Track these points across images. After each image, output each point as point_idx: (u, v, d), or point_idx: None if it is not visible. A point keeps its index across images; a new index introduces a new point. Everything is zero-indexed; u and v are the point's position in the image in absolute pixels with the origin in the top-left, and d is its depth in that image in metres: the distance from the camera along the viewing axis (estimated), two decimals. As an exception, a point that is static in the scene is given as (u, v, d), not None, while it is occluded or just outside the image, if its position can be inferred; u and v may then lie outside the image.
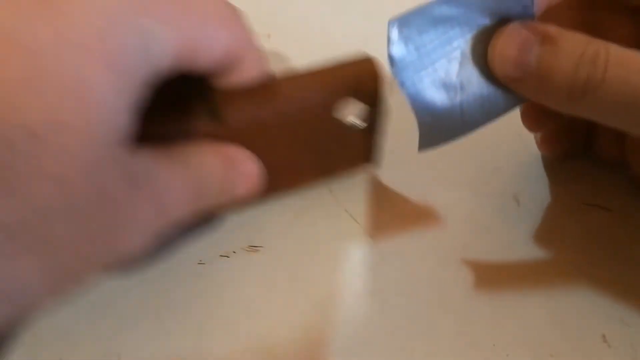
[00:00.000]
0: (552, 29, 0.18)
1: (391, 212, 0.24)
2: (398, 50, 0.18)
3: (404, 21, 0.17)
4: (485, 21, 0.18)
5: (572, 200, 0.25)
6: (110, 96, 0.14)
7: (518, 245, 0.24)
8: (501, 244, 0.24)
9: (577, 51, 0.17)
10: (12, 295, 0.13)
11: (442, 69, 0.19)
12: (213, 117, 0.19)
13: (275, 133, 0.20)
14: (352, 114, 0.21)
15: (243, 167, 0.20)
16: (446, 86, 0.19)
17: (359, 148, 0.23)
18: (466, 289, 0.22)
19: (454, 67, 0.19)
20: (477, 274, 0.23)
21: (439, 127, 0.19)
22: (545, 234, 0.24)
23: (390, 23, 0.17)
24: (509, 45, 0.18)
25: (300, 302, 0.22)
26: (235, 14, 0.18)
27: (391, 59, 0.17)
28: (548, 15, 0.20)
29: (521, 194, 0.25)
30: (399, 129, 0.24)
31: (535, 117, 0.25)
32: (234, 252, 0.23)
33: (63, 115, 0.13)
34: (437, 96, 0.19)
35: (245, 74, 0.19)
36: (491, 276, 0.23)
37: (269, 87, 0.20)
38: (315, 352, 0.20)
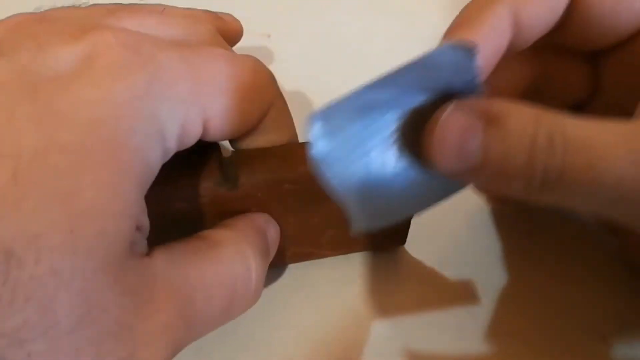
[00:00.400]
0: (495, 106, 0.15)
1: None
2: (322, 146, 0.15)
3: (328, 114, 0.15)
4: (420, 99, 0.16)
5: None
6: (103, 201, 0.13)
7: (518, 245, 0.24)
8: (501, 243, 0.24)
9: (527, 135, 0.15)
10: None
11: (377, 160, 0.16)
12: (230, 185, 0.18)
13: (292, 201, 0.19)
14: None
15: (270, 234, 0.19)
16: (384, 178, 0.16)
17: (389, 229, 0.20)
18: (466, 289, 0.22)
19: (392, 156, 0.16)
20: (477, 273, 0.23)
21: (375, 214, 0.17)
22: (545, 233, 0.24)
23: (312, 117, 0.15)
24: (447, 135, 0.15)
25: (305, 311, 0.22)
26: (253, 74, 0.17)
27: (314, 157, 0.15)
28: (497, 75, 0.18)
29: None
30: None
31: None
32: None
33: (41, 228, 0.12)
34: (372, 191, 0.16)
35: (266, 135, 0.18)
36: (491, 276, 0.23)
37: (288, 149, 0.19)
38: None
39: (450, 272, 0.23)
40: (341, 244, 0.22)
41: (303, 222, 0.20)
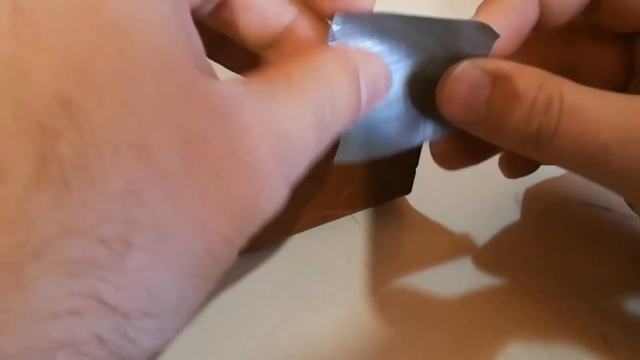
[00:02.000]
0: (505, 66, 0.16)
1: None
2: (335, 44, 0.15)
3: (350, 18, 0.15)
4: (434, 53, 0.17)
5: (572, 200, 0.25)
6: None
7: (517, 244, 0.24)
8: (500, 243, 0.24)
9: (529, 96, 0.16)
10: (159, 310, 0.10)
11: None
12: None
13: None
14: None
15: (367, 72, 0.15)
16: (379, 115, 0.17)
17: (397, 178, 0.23)
18: (466, 289, 0.22)
19: (392, 95, 0.17)
20: (477, 273, 0.23)
21: (362, 140, 0.17)
22: (545, 233, 0.24)
23: (336, 14, 0.15)
24: (458, 87, 0.17)
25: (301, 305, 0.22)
26: None
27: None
28: (529, 56, 0.19)
29: (521, 194, 0.25)
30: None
31: (515, 168, 0.23)
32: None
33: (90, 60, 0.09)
34: (366, 124, 0.17)
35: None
36: (491, 276, 0.23)
37: None
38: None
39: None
40: (356, 202, 0.23)
41: (321, 184, 0.21)
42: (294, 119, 0.13)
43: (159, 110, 0.10)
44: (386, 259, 0.23)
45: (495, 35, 0.16)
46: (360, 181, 0.21)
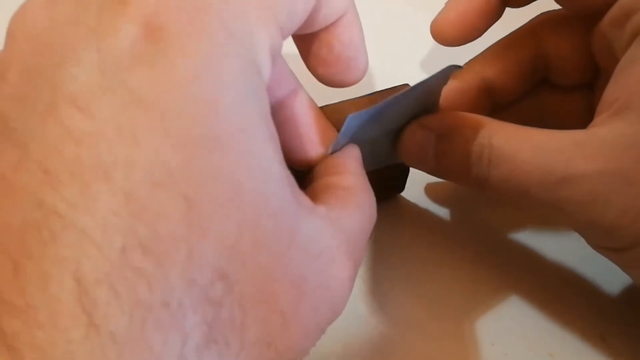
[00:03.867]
0: (448, 120, 0.19)
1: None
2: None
3: (356, 117, 0.18)
4: (409, 109, 0.20)
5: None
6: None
7: (517, 244, 0.24)
8: (500, 242, 0.24)
9: (465, 149, 0.18)
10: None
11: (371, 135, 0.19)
12: None
13: None
14: None
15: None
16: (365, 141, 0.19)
17: (390, 179, 0.23)
18: (465, 289, 0.22)
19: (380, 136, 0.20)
20: (477, 273, 0.23)
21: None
22: (543, 232, 0.24)
23: (348, 117, 0.17)
24: (409, 147, 0.20)
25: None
26: None
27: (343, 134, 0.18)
28: (499, 59, 0.22)
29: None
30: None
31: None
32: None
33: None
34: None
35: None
36: (490, 276, 0.23)
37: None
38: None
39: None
40: None
41: None
42: (359, 231, 0.15)
43: (280, 267, 0.12)
44: (386, 258, 0.23)
45: (452, 69, 0.18)
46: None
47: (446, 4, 0.22)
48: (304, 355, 0.13)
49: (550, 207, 0.17)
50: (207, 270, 0.10)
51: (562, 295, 0.22)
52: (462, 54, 0.23)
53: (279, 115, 0.17)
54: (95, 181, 0.10)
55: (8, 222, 0.10)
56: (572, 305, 0.22)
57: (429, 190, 0.25)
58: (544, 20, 0.22)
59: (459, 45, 0.22)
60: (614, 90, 0.18)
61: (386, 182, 0.23)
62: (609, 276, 0.23)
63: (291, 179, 0.13)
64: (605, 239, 0.17)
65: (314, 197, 0.15)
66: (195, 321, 0.10)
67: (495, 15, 0.22)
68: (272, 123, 0.13)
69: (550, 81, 0.23)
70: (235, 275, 0.11)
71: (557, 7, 0.22)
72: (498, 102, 0.23)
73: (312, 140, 0.18)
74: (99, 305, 0.09)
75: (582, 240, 0.19)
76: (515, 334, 0.21)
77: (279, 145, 0.13)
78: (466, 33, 0.22)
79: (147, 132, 0.10)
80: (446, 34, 0.22)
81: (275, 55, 0.13)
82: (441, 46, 0.22)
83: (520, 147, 0.17)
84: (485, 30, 0.22)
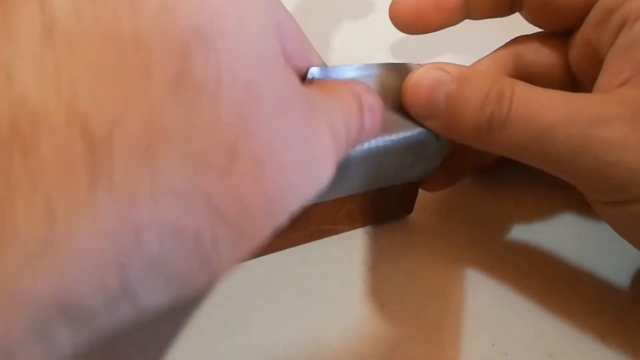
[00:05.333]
0: (464, 69, 0.19)
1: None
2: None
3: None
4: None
5: (571, 199, 0.25)
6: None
7: (517, 244, 0.24)
8: (500, 243, 0.24)
9: (484, 89, 0.18)
10: (233, 228, 0.11)
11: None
12: None
13: None
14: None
15: (367, 99, 0.18)
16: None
17: (398, 199, 0.23)
18: (465, 289, 0.22)
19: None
20: (477, 273, 0.23)
21: (362, 174, 0.20)
22: (543, 232, 0.24)
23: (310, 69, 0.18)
24: (422, 84, 0.19)
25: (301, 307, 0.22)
26: None
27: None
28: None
29: (521, 194, 0.25)
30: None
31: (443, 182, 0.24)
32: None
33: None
34: None
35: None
36: (490, 276, 0.23)
37: None
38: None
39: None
40: (357, 218, 0.23)
41: (321, 198, 0.21)
42: (336, 115, 0.15)
43: (265, 69, 0.12)
44: (386, 259, 0.23)
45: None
46: (362, 198, 0.21)
47: None
48: (277, 214, 0.12)
49: (573, 148, 0.17)
50: (181, 20, 0.10)
51: (562, 295, 0.22)
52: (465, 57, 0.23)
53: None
54: None
55: None
56: (572, 305, 0.22)
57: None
58: (522, 42, 0.23)
59: (412, 33, 0.23)
60: (617, 67, 0.19)
61: (393, 201, 0.23)
62: (609, 276, 0.23)
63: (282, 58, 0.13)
64: (619, 189, 0.17)
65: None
66: (162, 62, 0.10)
67: (451, 17, 0.22)
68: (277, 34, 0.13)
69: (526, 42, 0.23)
70: (213, 40, 0.11)
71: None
72: None
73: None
74: (57, 20, 0.09)
75: (583, 240, 0.19)
76: (515, 334, 0.21)
77: (279, 45, 0.13)
78: (418, 22, 0.22)
79: None
80: (400, 17, 0.22)
81: None
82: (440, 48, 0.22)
83: (544, 95, 0.18)
84: (439, 27, 0.23)
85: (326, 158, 0.14)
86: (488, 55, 0.23)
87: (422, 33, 0.23)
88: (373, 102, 0.18)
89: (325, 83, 0.18)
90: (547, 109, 0.17)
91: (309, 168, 0.13)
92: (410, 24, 0.22)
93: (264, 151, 0.11)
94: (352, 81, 0.18)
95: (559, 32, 0.22)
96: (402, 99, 0.20)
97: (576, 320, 0.21)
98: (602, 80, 0.19)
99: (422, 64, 0.22)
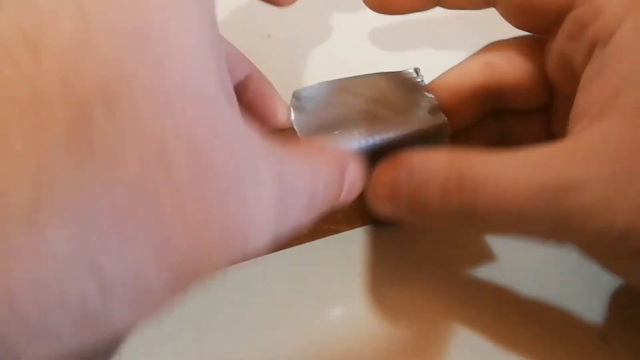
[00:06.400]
0: (416, 158, 0.18)
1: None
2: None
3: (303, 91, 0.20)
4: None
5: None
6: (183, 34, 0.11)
7: (517, 244, 0.24)
8: (501, 243, 0.24)
9: (441, 182, 0.17)
10: (128, 291, 0.11)
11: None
12: None
13: None
14: None
15: (351, 171, 0.18)
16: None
17: None
18: (466, 288, 0.22)
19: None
20: (477, 273, 0.23)
21: None
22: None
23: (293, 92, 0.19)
24: (381, 183, 0.18)
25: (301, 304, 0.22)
26: None
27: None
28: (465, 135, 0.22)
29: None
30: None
31: None
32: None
33: (129, 69, 0.10)
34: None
35: None
36: (491, 276, 0.23)
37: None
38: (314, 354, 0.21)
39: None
40: (355, 218, 0.23)
41: None
42: (295, 178, 0.14)
43: (182, 127, 0.11)
44: (386, 259, 0.23)
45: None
46: (361, 197, 0.21)
47: None
48: (197, 265, 0.11)
49: (551, 223, 0.16)
50: (87, 80, 0.10)
51: (562, 295, 0.22)
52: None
53: (244, 96, 0.19)
54: None
55: None
56: (572, 305, 0.22)
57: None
58: (495, 49, 0.22)
59: (382, 13, 0.22)
60: (587, 99, 0.18)
61: None
62: (609, 276, 0.23)
63: (227, 83, 0.13)
64: (617, 247, 0.16)
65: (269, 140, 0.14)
66: (62, 119, 0.10)
67: (421, 2, 0.22)
68: (215, 22, 0.13)
69: (505, 107, 0.23)
70: (120, 102, 0.10)
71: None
72: (451, 130, 0.22)
73: (276, 106, 0.19)
74: None
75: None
76: (516, 334, 0.21)
77: (226, 72, 0.13)
78: (387, 3, 0.22)
79: None
80: None
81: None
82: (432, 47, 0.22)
83: (504, 166, 0.16)
84: (409, 10, 0.22)
85: (259, 221, 0.13)
86: (458, 65, 0.22)
87: (393, 14, 0.22)
88: (356, 179, 0.18)
89: (313, 146, 0.17)
90: (512, 186, 0.16)
91: (227, 231, 0.12)
92: (379, 4, 0.22)
93: (166, 214, 0.11)
94: (342, 151, 0.18)
95: (536, 33, 0.21)
96: (368, 200, 0.19)
97: (577, 320, 0.21)
98: (577, 108, 0.18)
99: (413, 69, 0.22)
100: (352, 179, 0.17)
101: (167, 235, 0.11)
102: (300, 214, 0.15)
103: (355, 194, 0.18)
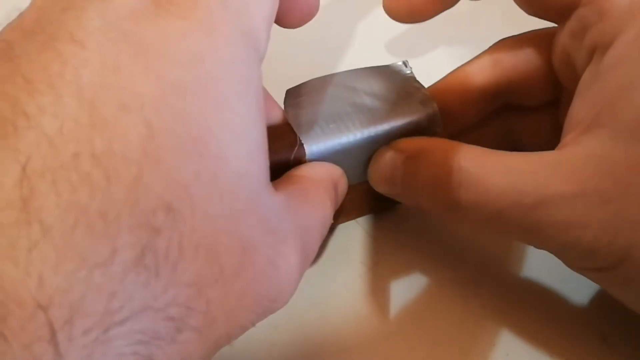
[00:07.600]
0: (417, 143, 0.19)
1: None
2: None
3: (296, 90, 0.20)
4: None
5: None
6: (235, 140, 0.13)
7: (516, 244, 0.24)
8: (500, 243, 0.24)
9: (435, 171, 0.18)
10: None
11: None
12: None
13: None
14: None
15: (342, 184, 0.20)
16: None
17: None
18: (466, 288, 0.22)
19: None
20: (477, 273, 0.23)
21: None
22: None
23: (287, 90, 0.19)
24: (379, 165, 0.20)
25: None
26: None
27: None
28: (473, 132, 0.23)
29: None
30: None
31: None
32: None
33: (188, 178, 0.11)
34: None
35: None
36: (491, 276, 0.23)
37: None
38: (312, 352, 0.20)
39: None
40: (353, 209, 0.23)
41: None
42: (310, 219, 0.16)
43: (231, 223, 0.12)
44: (386, 259, 0.23)
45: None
46: (357, 189, 0.22)
47: None
48: (232, 332, 0.13)
49: (525, 230, 0.17)
50: (152, 197, 0.11)
51: (563, 295, 0.22)
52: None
53: None
54: (68, 94, 0.11)
55: None
56: (572, 305, 0.22)
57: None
58: (502, 46, 0.22)
59: (407, 22, 0.22)
60: (580, 108, 0.18)
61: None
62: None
63: (266, 161, 0.14)
64: (585, 260, 0.17)
65: (275, 187, 0.16)
66: (129, 240, 0.11)
67: (445, 1, 0.22)
68: (262, 99, 0.14)
69: (514, 103, 0.23)
70: (181, 213, 0.11)
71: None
72: (458, 129, 0.23)
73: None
74: (36, 195, 0.10)
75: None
76: (516, 334, 0.21)
77: (263, 120, 0.14)
78: (414, 13, 0.22)
79: (129, 65, 0.11)
80: (395, 11, 0.22)
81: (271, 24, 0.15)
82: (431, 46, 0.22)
83: (492, 170, 0.17)
84: (435, 14, 0.22)
85: (289, 282, 0.14)
86: (466, 63, 0.23)
87: (420, 22, 0.22)
88: (344, 190, 0.20)
89: (309, 173, 0.18)
90: (494, 191, 0.17)
91: (262, 304, 0.14)
92: (405, 15, 0.22)
93: (210, 309, 0.12)
94: (329, 166, 0.19)
95: (548, 20, 0.21)
96: (368, 178, 0.21)
97: (577, 320, 0.21)
98: (571, 116, 0.18)
99: (402, 61, 0.22)
100: (342, 190, 0.20)
101: (210, 319, 0.12)
102: (317, 247, 0.17)
103: (341, 200, 0.20)
